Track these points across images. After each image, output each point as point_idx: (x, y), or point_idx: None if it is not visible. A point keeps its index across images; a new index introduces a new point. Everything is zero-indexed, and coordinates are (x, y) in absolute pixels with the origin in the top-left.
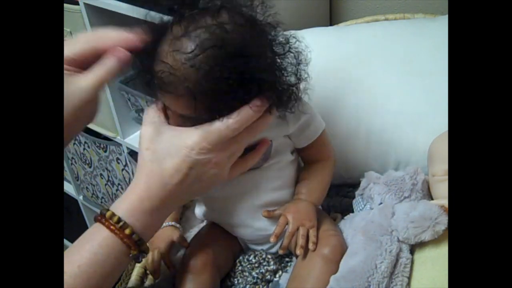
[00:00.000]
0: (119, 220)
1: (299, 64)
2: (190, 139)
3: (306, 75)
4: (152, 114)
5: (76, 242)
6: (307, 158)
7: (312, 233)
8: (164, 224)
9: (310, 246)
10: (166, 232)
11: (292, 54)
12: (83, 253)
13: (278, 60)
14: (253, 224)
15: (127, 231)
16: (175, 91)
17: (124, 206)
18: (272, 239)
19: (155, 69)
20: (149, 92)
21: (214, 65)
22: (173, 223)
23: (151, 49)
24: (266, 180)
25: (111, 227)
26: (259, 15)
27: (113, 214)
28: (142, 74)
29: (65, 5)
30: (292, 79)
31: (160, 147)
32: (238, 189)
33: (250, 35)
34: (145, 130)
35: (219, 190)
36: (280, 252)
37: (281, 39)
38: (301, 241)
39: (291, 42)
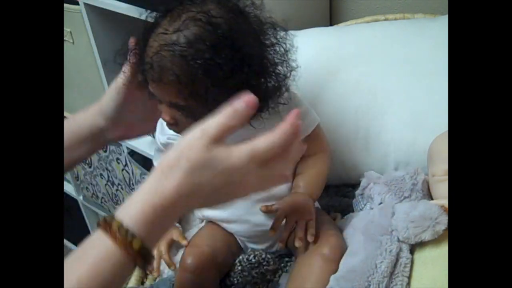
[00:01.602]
0: (127, 232)
1: (286, 54)
2: (237, 158)
3: (294, 66)
4: (220, 128)
5: (76, 251)
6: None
7: (310, 225)
8: None
9: (309, 238)
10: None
11: (281, 46)
12: (84, 265)
13: (268, 50)
14: (250, 219)
15: (135, 245)
16: (163, 78)
17: (133, 212)
18: (270, 233)
19: (145, 62)
20: (144, 87)
21: (198, 50)
22: None
23: (142, 45)
24: None
25: (117, 238)
26: (249, 10)
27: (121, 225)
28: (136, 69)
29: (65, 5)
30: (281, 70)
31: (203, 163)
32: None
33: (235, 23)
34: (197, 138)
35: None
36: (280, 245)
37: (268, 32)
38: (299, 233)
39: (278, 35)
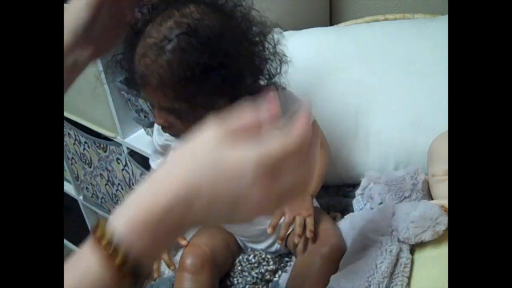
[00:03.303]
0: (110, 242)
1: (275, 50)
2: (249, 165)
3: (284, 60)
4: (239, 127)
5: (66, 263)
6: None
7: (309, 221)
8: None
9: (308, 234)
10: None
11: (269, 45)
12: (67, 280)
13: (256, 50)
14: None
15: (117, 261)
16: (151, 81)
17: (124, 219)
18: (269, 230)
19: (134, 67)
20: (134, 90)
21: (182, 51)
22: None
23: (130, 50)
24: None
25: (102, 249)
26: (236, 10)
27: (103, 235)
28: (126, 74)
29: (65, 5)
30: (271, 67)
31: (211, 162)
32: None
33: (220, 23)
34: (211, 134)
35: None
36: (278, 242)
37: (255, 30)
38: (298, 229)
39: (266, 33)
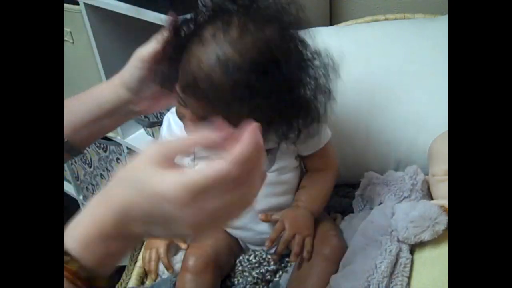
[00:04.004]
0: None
1: (327, 76)
2: (172, 192)
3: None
4: (180, 147)
5: None
6: (310, 166)
7: (308, 241)
8: None
9: (305, 254)
10: None
11: (320, 64)
12: None
13: (310, 70)
14: (255, 227)
15: (72, 267)
16: (198, 94)
17: (79, 232)
18: (267, 244)
19: (181, 69)
20: (168, 88)
21: (249, 73)
22: None
23: (179, 50)
24: (270, 185)
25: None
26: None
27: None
28: (167, 72)
29: (65, 5)
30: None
31: (139, 178)
32: None
33: (287, 48)
34: (151, 151)
35: None
36: (274, 258)
37: (311, 49)
38: (296, 248)
39: (319, 53)
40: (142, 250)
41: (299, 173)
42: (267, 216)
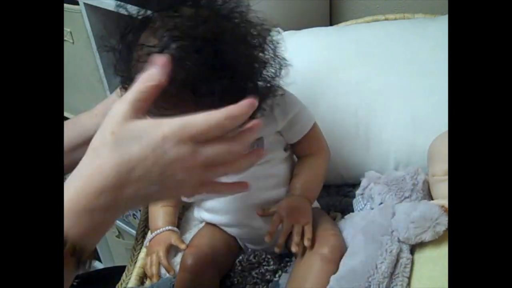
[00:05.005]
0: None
1: (275, 52)
2: (168, 127)
3: (284, 64)
4: (138, 92)
5: None
6: (299, 152)
7: (307, 229)
8: (162, 229)
9: (306, 242)
10: (164, 236)
11: (269, 47)
12: None
13: (255, 53)
14: (250, 223)
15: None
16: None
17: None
18: (266, 239)
19: (131, 72)
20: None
21: (179, 56)
22: (170, 227)
23: (126, 54)
24: (260, 179)
25: None
26: (234, 11)
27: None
28: (122, 80)
29: (65, 5)
30: (270, 70)
31: (129, 133)
32: None
33: (217, 26)
34: (120, 108)
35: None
36: (276, 250)
37: (254, 32)
38: (296, 238)
39: (265, 35)
40: (143, 255)
41: (290, 164)
42: (264, 210)
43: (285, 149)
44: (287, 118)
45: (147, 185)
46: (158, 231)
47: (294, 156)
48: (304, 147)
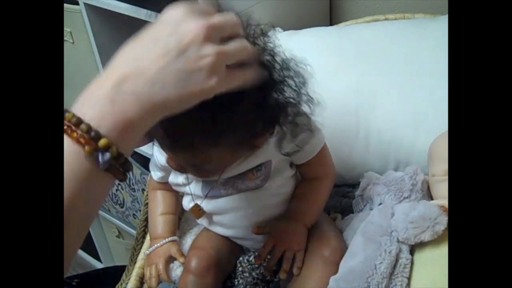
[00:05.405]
0: (74, 116)
1: (300, 84)
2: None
3: (307, 95)
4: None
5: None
6: (305, 174)
7: (298, 256)
8: (162, 242)
9: (295, 271)
10: (164, 248)
11: (290, 73)
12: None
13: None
14: (255, 237)
15: (73, 121)
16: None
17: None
18: (256, 261)
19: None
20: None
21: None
22: (170, 238)
23: None
24: (268, 197)
25: (66, 127)
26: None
27: (66, 111)
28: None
29: (65, 5)
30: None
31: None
32: (240, 206)
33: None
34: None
35: (222, 205)
36: (265, 273)
37: (277, 59)
38: (285, 265)
39: (287, 62)
40: (143, 255)
41: (296, 181)
42: (259, 229)
43: (291, 166)
44: (296, 141)
45: (165, 64)
46: (159, 244)
47: None
48: (310, 170)
